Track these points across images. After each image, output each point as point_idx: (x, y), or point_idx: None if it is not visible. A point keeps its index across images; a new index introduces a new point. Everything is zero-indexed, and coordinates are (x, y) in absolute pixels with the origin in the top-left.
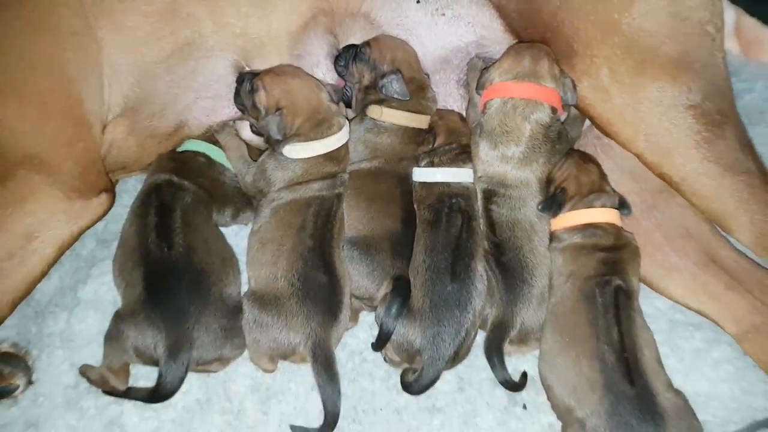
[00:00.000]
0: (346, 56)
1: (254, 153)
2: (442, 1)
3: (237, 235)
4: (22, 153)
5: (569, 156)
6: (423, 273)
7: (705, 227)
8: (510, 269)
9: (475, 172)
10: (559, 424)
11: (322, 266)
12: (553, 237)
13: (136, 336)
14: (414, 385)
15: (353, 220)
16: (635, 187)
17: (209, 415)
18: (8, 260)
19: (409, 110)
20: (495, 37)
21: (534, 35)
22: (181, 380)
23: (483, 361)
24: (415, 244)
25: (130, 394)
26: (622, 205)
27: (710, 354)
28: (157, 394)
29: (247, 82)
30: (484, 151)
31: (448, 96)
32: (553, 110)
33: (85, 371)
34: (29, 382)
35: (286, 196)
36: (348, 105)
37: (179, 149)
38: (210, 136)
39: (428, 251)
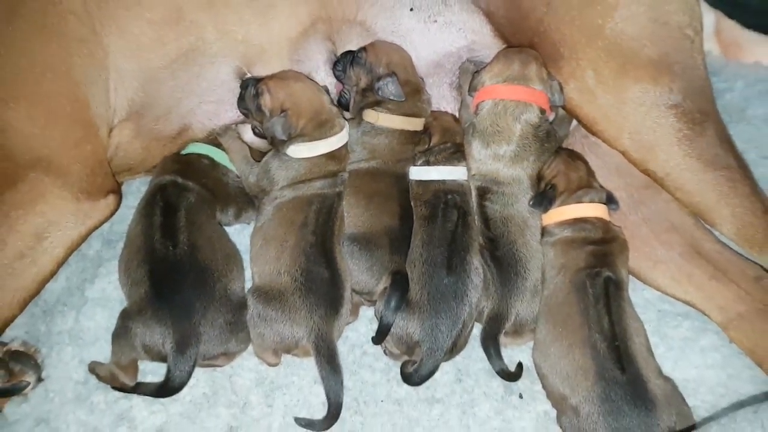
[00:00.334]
0: (344, 61)
1: (256, 155)
2: (435, 8)
3: (240, 234)
4: (32, 156)
5: (558, 154)
6: (420, 266)
7: (689, 221)
8: (504, 263)
9: (468, 170)
10: (554, 412)
11: (324, 262)
12: (544, 232)
13: (144, 332)
14: (414, 376)
15: (353, 217)
16: (622, 184)
17: (216, 408)
18: (19, 260)
19: (404, 114)
20: (485, 42)
21: (522, 40)
22: (189, 374)
23: (480, 352)
24: (413, 239)
25: (139, 389)
26: (610, 201)
27: (698, 342)
28: (166, 389)
29: (251, 86)
30: (476, 150)
31: (442, 98)
32: (542, 111)
33: (93, 368)
34: (39, 380)
35: (288, 194)
36: (346, 108)
37: (183, 152)
38: (213, 140)
39: (425, 245)
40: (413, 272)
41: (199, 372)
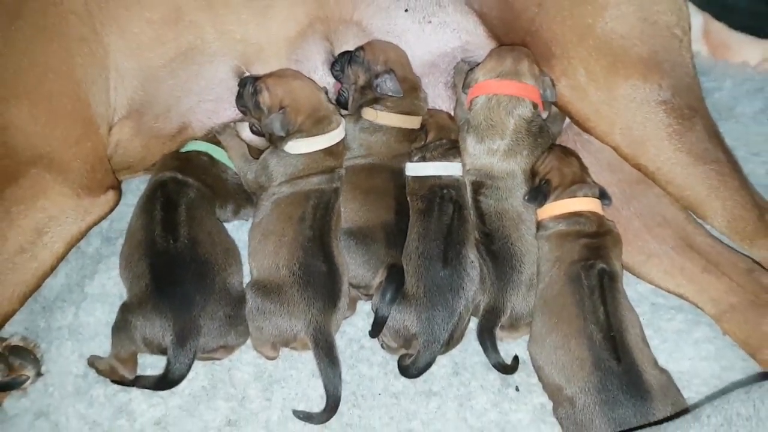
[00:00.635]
0: (342, 61)
1: (254, 152)
2: (429, 9)
3: (238, 231)
4: (34, 152)
5: (551, 150)
6: (416, 259)
7: (681, 215)
8: (500, 257)
9: (463, 165)
10: (550, 405)
11: (322, 255)
12: (539, 226)
13: (145, 325)
14: (411, 368)
15: (350, 212)
16: (614, 179)
17: (214, 401)
18: (19, 254)
19: (402, 111)
20: (479, 42)
21: (515, 40)
22: (189, 366)
23: (476, 346)
24: (409, 232)
25: (138, 382)
26: (603, 196)
27: (691, 335)
28: (166, 381)
29: (249, 85)
30: (471, 145)
31: (437, 97)
32: (534, 106)
33: (93, 362)
34: (38, 374)
35: (286, 189)
36: (344, 107)
37: (183, 150)
38: (212, 138)
39: (421, 238)
40: (409, 265)
41: (198, 365)
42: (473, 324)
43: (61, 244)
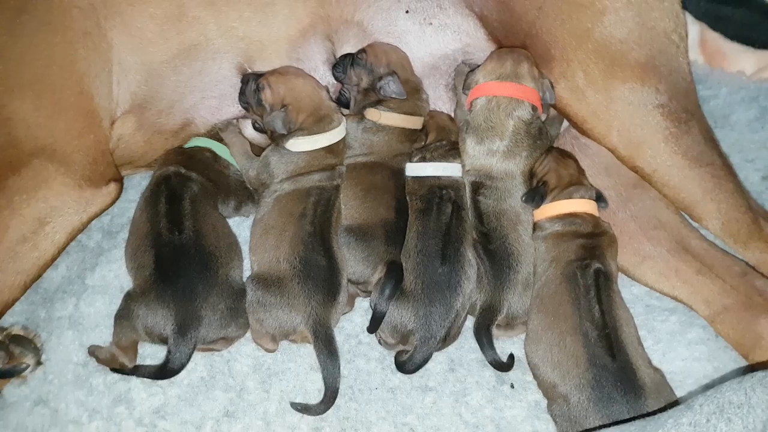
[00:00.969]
0: (344, 63)
1: (256, 150)
2: (429, 11)
3: (239, 227)
4: (37, 143)
5: (549, 152)
6: (414, 256)
7: (676, 218)
8: (497, 257)
9: (463, 166)
10: (544, 402)
11: (322, 250)
12: (536, 226)
13: (147, 314)
14: (408, 364)
15: (350, 209)
16: (611, 182)
17: (213, 392)
18: (21, 244)
19: (404, 112)
20: (479, 44)
21: (515, 42)
22: (189, 356)
23: (472, 343)
24: (408, 231)
25: (138, 371)
26: (599, 199)
27: (685, 336)
28: (166, 370)
29: (252, 82)
30: (471, 146)
31: (438, 99)
32: (534, 108)
33: (93, 351)
34: (38, 363)
35: (288, 186)
36: (345, 106)
37: (186, 146)
38: (214, 135)
39: (420, 236)
40: (408, 262)
41: (197, 356)
42: (470, 321)
43: (62, 235)
